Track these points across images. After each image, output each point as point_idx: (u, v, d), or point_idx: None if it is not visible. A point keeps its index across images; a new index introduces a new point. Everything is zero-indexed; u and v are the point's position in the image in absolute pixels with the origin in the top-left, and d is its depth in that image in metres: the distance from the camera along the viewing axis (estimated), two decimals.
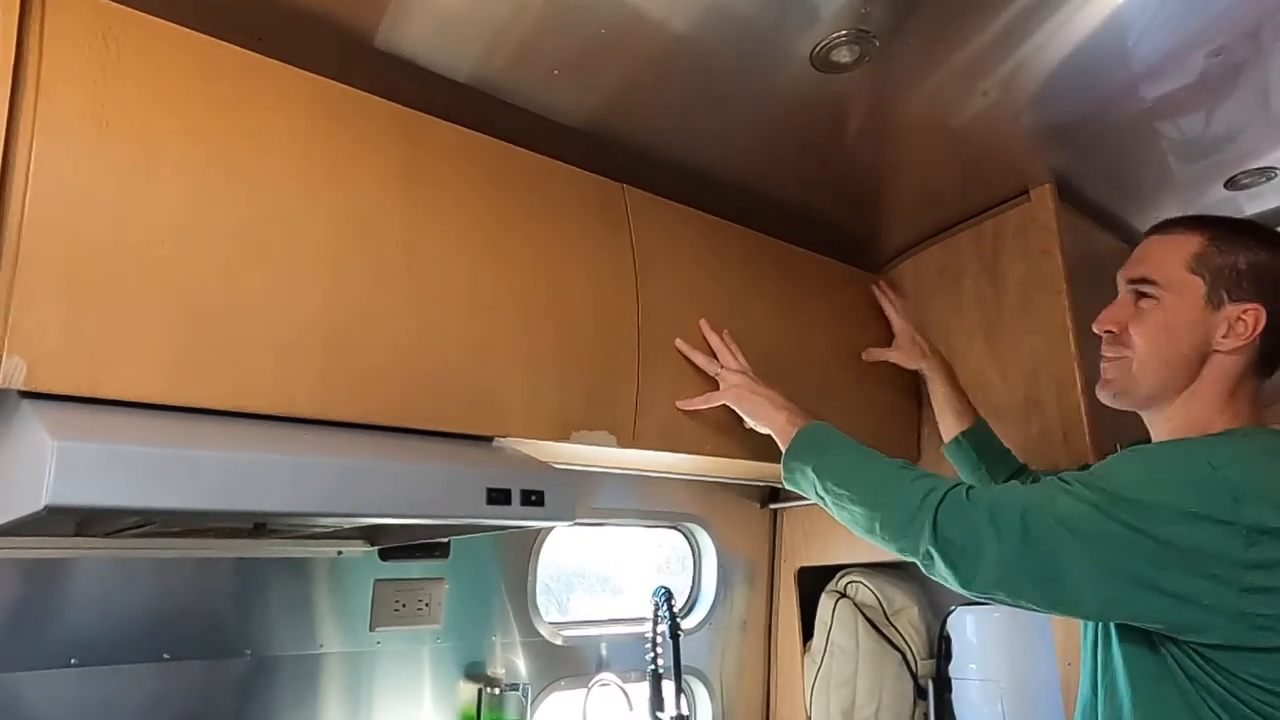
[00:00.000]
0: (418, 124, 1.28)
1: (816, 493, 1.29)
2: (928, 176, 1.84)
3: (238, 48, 1.12)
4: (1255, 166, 1.82)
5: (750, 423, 1.50)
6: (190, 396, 1.01)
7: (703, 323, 1.57)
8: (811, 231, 1.88)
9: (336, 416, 1.13)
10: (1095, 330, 1.26)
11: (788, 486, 1.37)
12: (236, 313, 1.06)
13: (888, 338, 1.93)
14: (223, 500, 0.90)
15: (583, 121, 1.49)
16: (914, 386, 1.96)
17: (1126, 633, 1.09)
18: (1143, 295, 1.21)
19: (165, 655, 1.36)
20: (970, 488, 1.11)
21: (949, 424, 1.78)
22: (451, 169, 1.30)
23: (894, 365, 1.88)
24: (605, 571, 2.27)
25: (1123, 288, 1.25)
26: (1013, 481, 1.58)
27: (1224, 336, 1.16)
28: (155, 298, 1.00)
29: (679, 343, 1.55)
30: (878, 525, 1.19)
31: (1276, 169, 1.82)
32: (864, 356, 1.88)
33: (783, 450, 1.37)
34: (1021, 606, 1.08)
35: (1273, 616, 0.98)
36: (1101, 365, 1.27)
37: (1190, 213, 1.39)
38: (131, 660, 1.33)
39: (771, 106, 1.52)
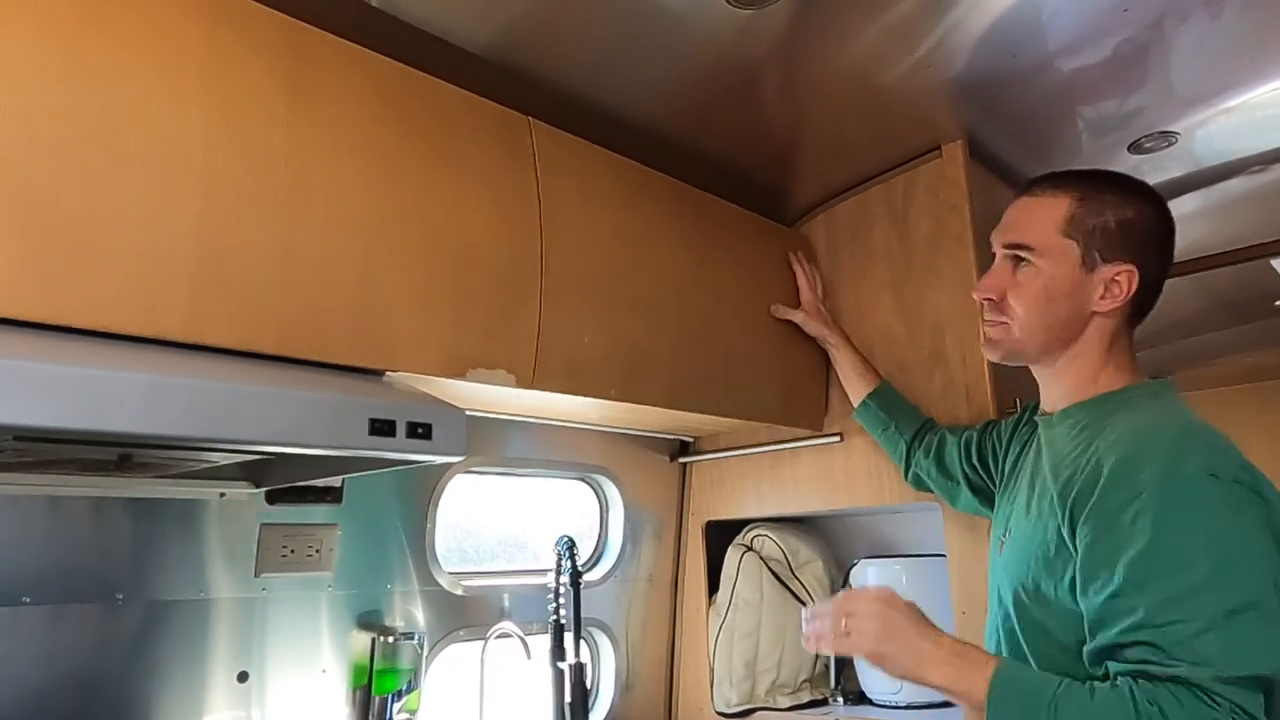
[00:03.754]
0: (306, 36, 1.21)
1: None
2: (843, 130, 1.83)
3: None
4: (1158, 130, 1.86)
5: (898, 672, 1.13)
6: (37, 310, 0.93)
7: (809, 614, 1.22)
8: (725, 184, 1.86)
9: (209, 341, 1.06)
10: (975, 298, 1.29)
11: None
12: (94, 223, 0.98)
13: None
14: (70, 418, 0.83)
15: (485, 48, 1.42)
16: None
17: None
18: (1020, 261, 1.23)
19: (25, 599, 1.28)
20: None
21: (855, 388, 1.81)
22: (342, 86, 1.23)
23: None
24: (530, 542, 2.22)
25: (999, 252, 1.27)
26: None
27: (1101, 298, 1.20)
28: None
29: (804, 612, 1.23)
30: None
31: (1177, 133, 1.87)
32: (772, 311, 1.88)
33: (969, 711, 1.10)
34: None
35: None
36: (984, 328, 1.30)
37: None
38: None
39: (690, 48, 1.49)
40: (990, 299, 1.26)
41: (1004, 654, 1.20)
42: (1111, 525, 1.03)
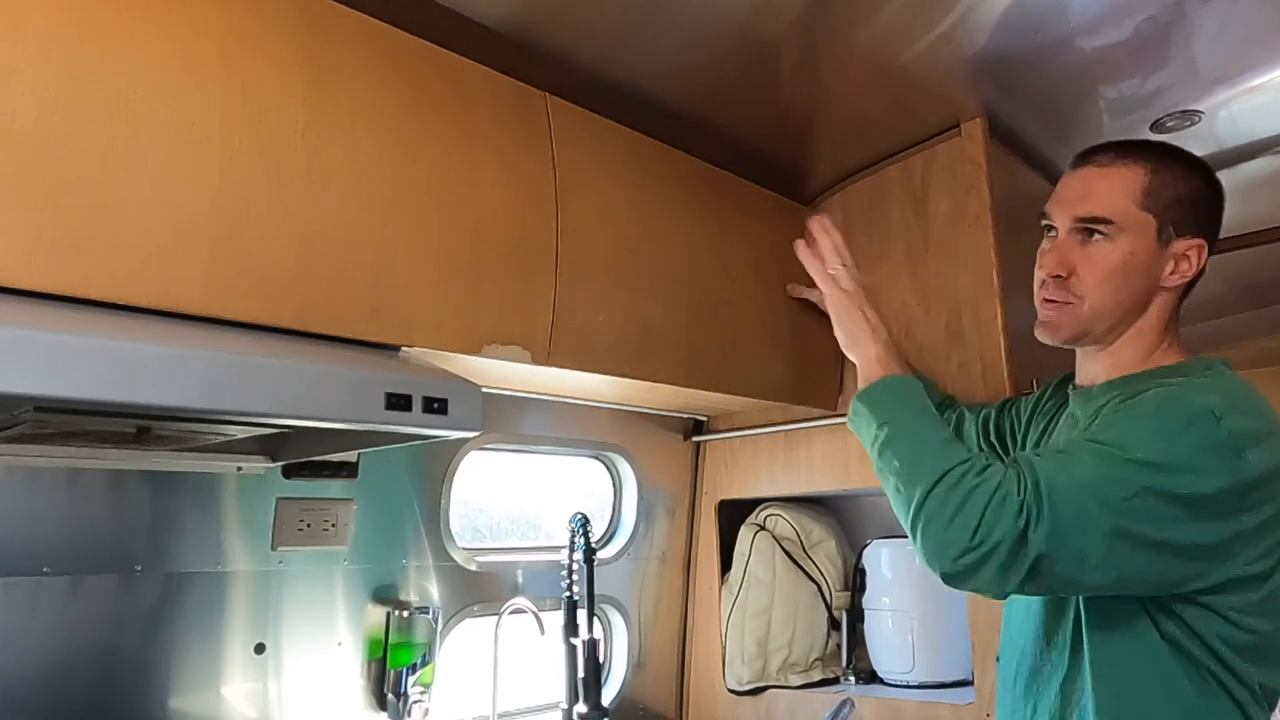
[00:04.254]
0: (322, 11, 1.20)
1: (872, 445, 1.22)
2: (861, 108, 1.81)
3: None
4: (1180, 109, 1.83)
5: (840, 341, 1.46)
6: (57, 282, 0.94)
7: (817, 219, 1.54)
8: (741, 162, 1.84)
9: (227, 315, 1.07)
10: (1042, 275, 1.22)
11: (849, 425, 1.32)
12: (113, 197, 0.98)
13: None
14: (89, 389, 0.84)
15: (502, 23, 1.41)
16: None
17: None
18: (1093, 234, 1.17)
19: (45, 569, 1.29)
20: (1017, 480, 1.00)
21: None
22: (359, 62, 1.23)
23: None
24: (543, 523, 2.23)
25: (1065, 226, 1.20)
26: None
27: (1171, 274, 1.16)
28: (15, 173, 0.92)
29: (813, 225, 1.55)
30: (918, 508, 1.04)
31: (1201, 112, 1.84)
32: (788, 290, 1.87)
33: (859, 386, 1.33)
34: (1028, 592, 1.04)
35: (1252, 557, 0.99)
36: (1042, 306, 1.22)
37: None
38: (5, 573, 1.26)
39: (709, 23, 1.47)
40: (1060, 275, 1.19)
41: (1040, 626, 1.16)
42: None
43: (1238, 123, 1.90)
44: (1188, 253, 1.15)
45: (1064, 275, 1.18)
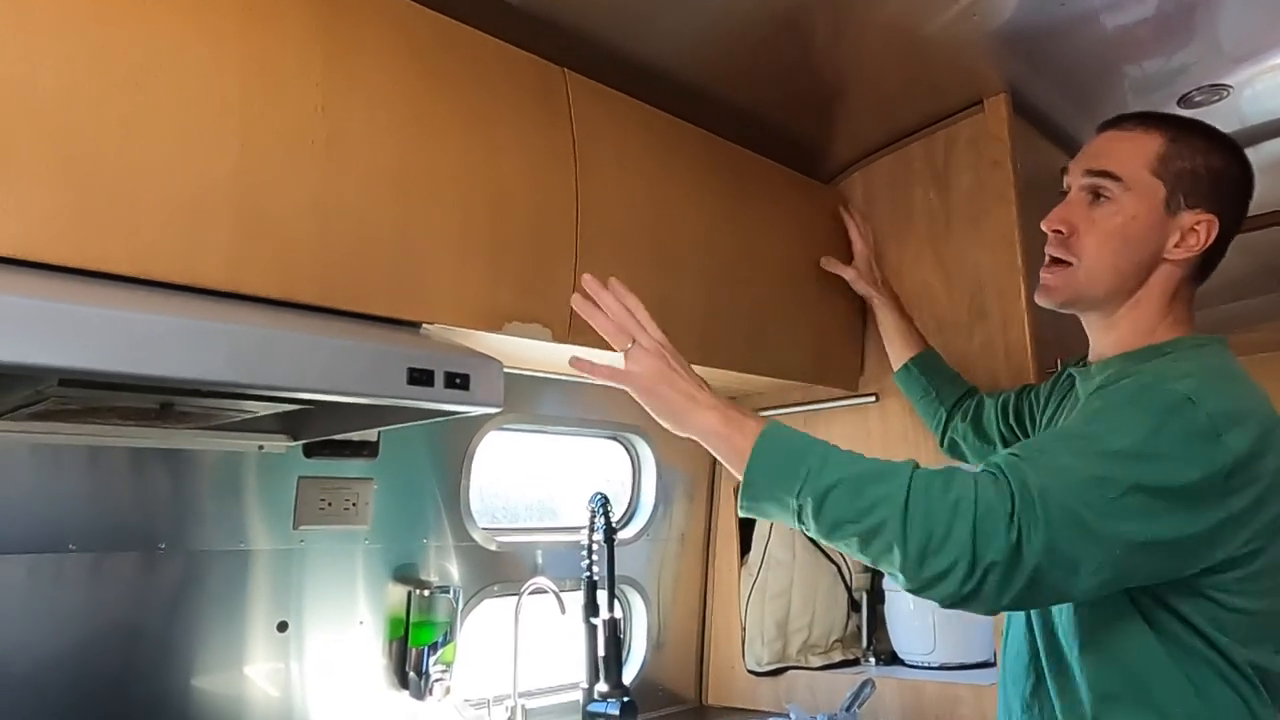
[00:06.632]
0: None
1: (800, 520, 0.98)
2: (884, 84, 1.79)
3: None
4: (1208, 83, 1.80)
5: (666, 421, 1.11)
6: (79, 256, 0.93)
7: (587, 278, 1.20)
8: (761, 139, 1.83)
9: (248, 290, 1.06)
10: (1044, 228, 1.20)
11: (743, 513, 1.04)
12: (133, 172, 0.98)
13: (838, 251, 1.90)
14: (114, 361, 0.84)
15: None
16: (860, 302, 1.93)
17: None
18: (1099, 195, 1.15)
19: (71, 546, 1.30)
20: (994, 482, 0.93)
21: (897, 351, 1.77)
22: (377, 37, 1.22)
23: (842, 280, 1.87)
24: (560, 509, 2.23)
25: (1076, 182, 1.18)
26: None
27: (1176, 245, 1.13)
28: (37, 147, 0.92)
29: (576, 300, 1.21)
30: (900, 555, 0.91)
31: (1230, 86, 1.81)
32: (822, 263, 1.86)
33: (731, 467, 1.05)
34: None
35: (1241, 540, 0.96)
36: (1043, 269, 1.21)
37: None
38: (31, 550, 1.27)
39: None
40: (1059, 230, 1.17)
41: (1038, 616, 1.14)
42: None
43: (1262, 100, 1.87)
44: (1195, 226, 1.12)
45: (1064, 232, 1.17)
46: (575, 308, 1.21)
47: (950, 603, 0.90)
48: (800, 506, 0.96)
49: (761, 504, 1.00)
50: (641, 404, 1.12)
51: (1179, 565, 0.96)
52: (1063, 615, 1.08)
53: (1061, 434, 1.05)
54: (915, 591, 0.92)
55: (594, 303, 1.19)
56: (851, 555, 1.01)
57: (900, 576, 0.92)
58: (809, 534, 0.99)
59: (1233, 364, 1.09)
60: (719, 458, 1.07)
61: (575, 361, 1.17)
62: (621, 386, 1.13)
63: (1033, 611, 1.13)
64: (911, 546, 0.90)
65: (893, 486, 0.93)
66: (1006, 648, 1.22)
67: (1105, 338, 1.20)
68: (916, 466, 0.95)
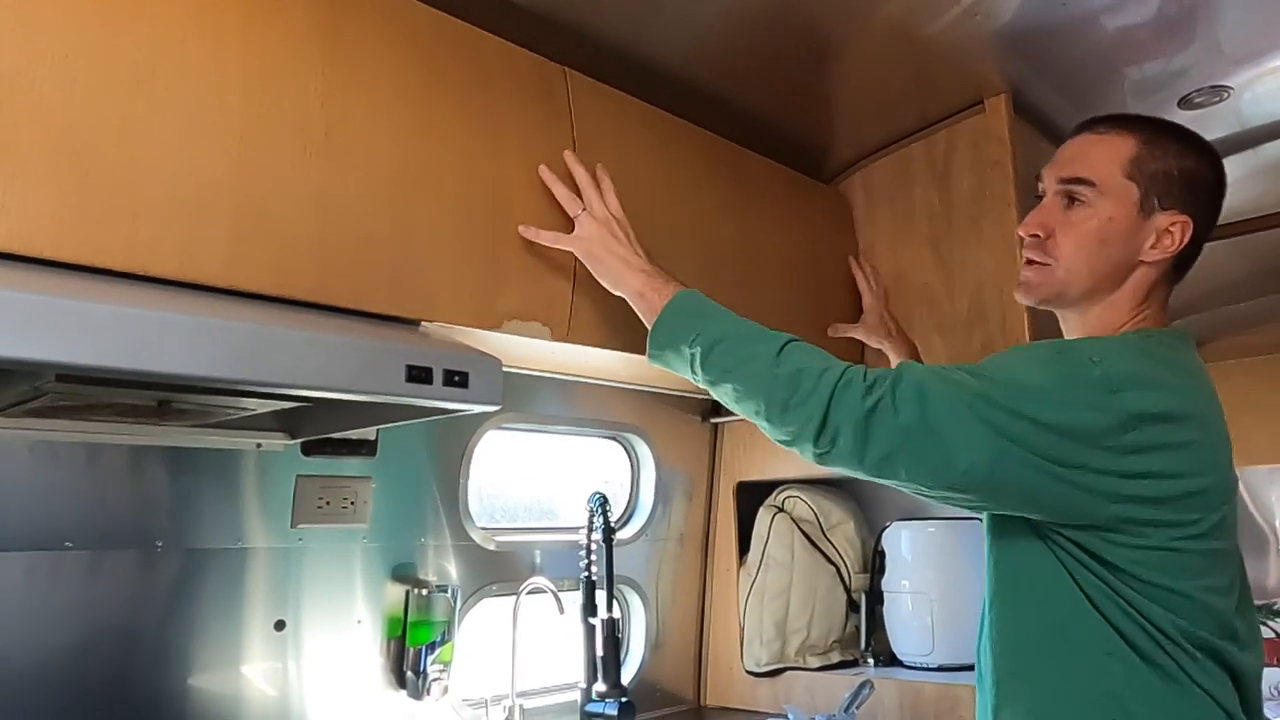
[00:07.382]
0: None
1: (692, 369, 1.17)
2: (884, 84, 1.79)
3: None
4: (1209, 85, 1.80)
5: (604, 280, 1.31)
6: (79, 253, 0.93)
7: (568, 154, 1.35)
8: (762, 138, 1.83)
9: (247, 286, 1.06)
10: (1020, 233, 1.22)
11: (652, 364, 1.24)
12: (133, 168, 0.97)
13: (838, 251, 1.90)
14: (112, 357, 0.83)
15: None
16: (859, 303, 1.92)
17: (1007, 525, 1.10)
18: (1074, 199, 1.17)
19: (67, 544, 1.29)
20: (865, 369, 1.06)
21: None
22: (377, 35, 1.21)
23: (842, 280, 1.86)
24: (559, 510, 2.23)
25: (1051, 188, 1.21)
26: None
27: (1151, 247, 1.15)
28: (37, 143, 0.91)
29: (543, 170, 1.33)
30: (765, 405, 1.08)
31: (1230, 88, 1.81)
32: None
33: (646, 321, 1.24)
34: (903, 481, 1.05)
35: (1150, 500, 0.99)
36: (1022, 267, 1.23)
37: None
38: (29, 547, 1.26)
39: None
40: (1036, 235, 1.19)
41: (987, 581, 1.17)
42: None
43: (1263, 102, 1.87)
44: (1170, 227, 1.13)
45: (1041, 236, 1.18)
46: (542, 175, 1.34)
47: (817, 460, 1.06)
48: (693, 355, 1.15)
49: (664, 353, 1.21)
50: (585, 261, 1.31)
51: (1062, 494, 0.99)
52: (991, 585, 1.13)
53: (962, 366, 1.09)
54: (783, 444, 1.08)
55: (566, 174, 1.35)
56: (729, 406, 1.16)
57: (765, 426, 1.09)
58: (700, 383, 1.17)
59: (1172, 353, 1.10)
60: (640, 316, 1.25)
61: (524, 229, 1.31)
62: (566, 249, 1.31)
63: (987, 583, 1.16)
64: (776, 399, 1.06)
65: (771, 345, 1.10)
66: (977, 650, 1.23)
67: (1074, 329, 1.23)
68: (793, 337, 1.11)
